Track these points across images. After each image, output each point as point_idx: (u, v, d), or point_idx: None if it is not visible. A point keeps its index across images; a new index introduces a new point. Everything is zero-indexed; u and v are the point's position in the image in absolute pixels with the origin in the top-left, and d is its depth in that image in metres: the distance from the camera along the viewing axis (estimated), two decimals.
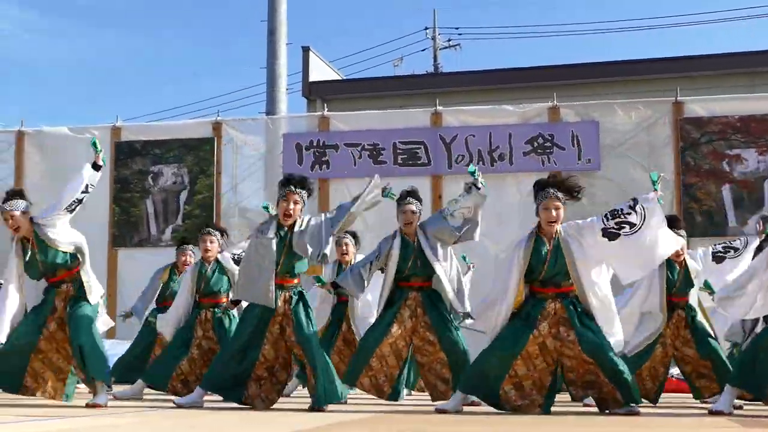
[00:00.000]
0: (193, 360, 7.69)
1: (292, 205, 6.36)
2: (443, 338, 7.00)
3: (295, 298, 6.39)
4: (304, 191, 6.42)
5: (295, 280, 6.47)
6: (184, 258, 9.08)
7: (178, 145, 13.57)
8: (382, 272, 7.28)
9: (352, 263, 8.10)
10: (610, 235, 5.97)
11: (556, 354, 6.00)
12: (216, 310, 7.81)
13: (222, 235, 8.16)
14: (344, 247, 8.58)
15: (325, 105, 14.66)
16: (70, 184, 6.52)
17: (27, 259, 6.54)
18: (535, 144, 12.55)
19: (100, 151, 6.54)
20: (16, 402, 6.58)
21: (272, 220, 6.47)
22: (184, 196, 13.50)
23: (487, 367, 6.05)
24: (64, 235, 6.55)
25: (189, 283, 7.95)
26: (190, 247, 9.09)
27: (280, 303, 6.34)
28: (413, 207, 7.23)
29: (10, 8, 57.07)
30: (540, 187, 6.13)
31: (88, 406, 6.23)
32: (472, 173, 7.10)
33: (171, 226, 13.41)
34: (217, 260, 7.97)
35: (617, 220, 5.99)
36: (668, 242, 6.18)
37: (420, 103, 15.36)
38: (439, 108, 13.03)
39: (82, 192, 6.47)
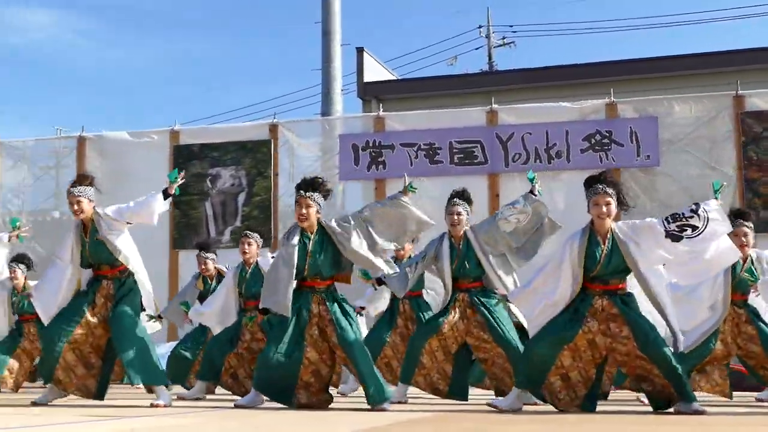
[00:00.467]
0: (242, 356, 7.83)
1: (304, 209, 6.36)
2: (496, 336, 6.96)
3: (329, 298, 6.38)
4: (316, 193, 6.39)
5: (328, 282, 6.43)
6: (199, 266, 9.17)
7: (236, 147, 13.66)
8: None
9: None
10: (673, 236, 5.88)
11: (605, 350, 5.96)
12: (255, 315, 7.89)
13: (261, 237, 8.36)
14: None
15: (381, 105, 14.68)
16: (140, 204, 6.64)
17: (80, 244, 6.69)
18: (593, 141, 12.42)
19: (176, 181, 6.63)
20: (77, 403, 6.67)
21: (297, 226, 6.45)
22: (242, 198, 13.60)
23: (533, 356, 6.02)
24: (119, 240, 6.65)
25: (230, 280, 8.21)
26: (203, 253, 9.16)
27: (313, 305, 6.33)
28: (460, 208, 7.17)
29: (69, 18, 58.13)
30: (589, 184, 6.08)
31: (151, 406, 6.32)
32: (531, 180, 7.02)
33: (230, 227, 13.52)
34: (256, 263, 8.10)
35: (679, 223, 5.89)
36: (728, 254, 6.09)
37: (475, 101, 15.28)
38: (495, 106, 12.96)
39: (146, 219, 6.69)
